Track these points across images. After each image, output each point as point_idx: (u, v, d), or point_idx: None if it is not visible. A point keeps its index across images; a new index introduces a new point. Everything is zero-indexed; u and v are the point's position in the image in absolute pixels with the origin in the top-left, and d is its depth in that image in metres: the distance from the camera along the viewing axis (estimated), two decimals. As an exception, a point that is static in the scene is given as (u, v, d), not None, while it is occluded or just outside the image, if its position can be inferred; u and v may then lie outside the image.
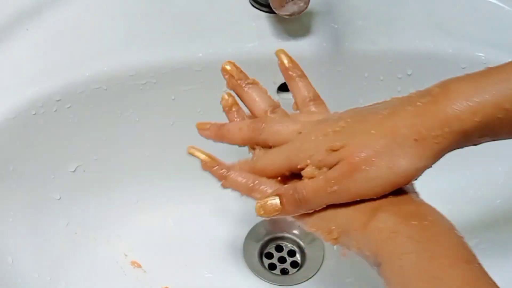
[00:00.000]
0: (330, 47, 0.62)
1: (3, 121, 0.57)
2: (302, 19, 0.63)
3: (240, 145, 0.51)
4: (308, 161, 0.44)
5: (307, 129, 0.47)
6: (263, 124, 0.49)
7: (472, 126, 0.40)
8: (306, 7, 0.58)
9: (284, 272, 0.68)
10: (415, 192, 0.45)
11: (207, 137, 0.53)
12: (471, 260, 0.39)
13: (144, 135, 0.65)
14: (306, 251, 0.68)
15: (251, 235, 0.69)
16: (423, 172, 0.42)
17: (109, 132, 0.64)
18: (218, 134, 0.52)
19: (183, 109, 0.64)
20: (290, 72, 0.53)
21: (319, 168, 0.44)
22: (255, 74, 0.63)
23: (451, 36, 0.63)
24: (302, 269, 0.68)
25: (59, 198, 0.63)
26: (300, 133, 0.47)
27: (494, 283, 0.37)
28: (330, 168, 0.43)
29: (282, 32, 0.62)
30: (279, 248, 0.69)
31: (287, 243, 0.69)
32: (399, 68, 0.63)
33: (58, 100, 0.59)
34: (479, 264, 0.38)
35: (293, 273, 0.67)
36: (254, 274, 0.66)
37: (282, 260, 0.68)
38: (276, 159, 0.48)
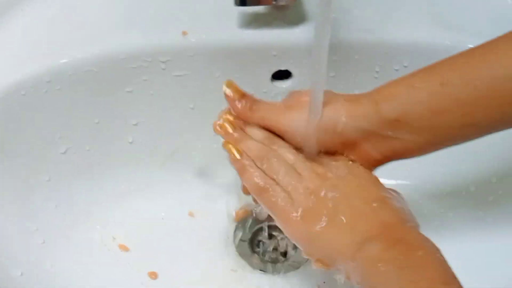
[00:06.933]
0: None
1: (-9, 100, 0.57)
2: (298, 7, 0.62)
3: None
4: None
5: None
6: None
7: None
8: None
9: (275, 260, 0.67)
10: (411, 221, 0.48)
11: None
12: (450, 281, 0.41)
13: (136, 120, 0.65)
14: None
15: (242, 222, 0.69)
16: None
17: (100, 115, 0.63)
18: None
19: (175, 96, 0.64)
20: None
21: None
22: (249, 62, 0.62)
23: (449, 28, 0.61)
24: (291, 258, 0.67)
25: (49, 180, 0.63)
26: None
27: None
28: None
29: (277, 19, 0.61)
30: (270, 237, 0.69)
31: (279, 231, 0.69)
32: (395, 60, 0.62)
33: (48, 82, 0.59)
34: (458, 285, 0.41)
35: (282, 261, 0.67)
36: (243, 260, 0.66)
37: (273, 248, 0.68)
38: None
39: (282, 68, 0.64)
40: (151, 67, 0.61)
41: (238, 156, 0.51)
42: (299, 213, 0.48)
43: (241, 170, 0.51)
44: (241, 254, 0.67)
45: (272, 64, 0.63)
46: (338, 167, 0.50)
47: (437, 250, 0.43)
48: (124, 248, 0.64)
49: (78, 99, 0.61)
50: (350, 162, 0.51)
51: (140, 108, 0.64)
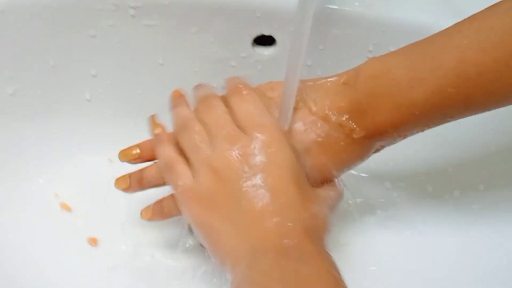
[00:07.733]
0: (317, 5, 0.55)
1: None
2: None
3: None
4: None
5: None
6: None
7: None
8: None
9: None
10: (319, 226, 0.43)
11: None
12: None
13: (96, 70, 0.59)
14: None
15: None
16: None
17: (57, 58, 0.57)
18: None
19: (144, 48, 0.58)
20: None
21: None
22: (230, 22, 0.56)
23: (457, 13, 0.54)
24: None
25: (-8, 122, 0.56)
26: None
27: None
28: None
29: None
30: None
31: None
32: (392, 39, 0.55)
33: (1, 12, 0.52)
34: None
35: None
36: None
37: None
38: None
39: (266, 33, 0.57)
40: (119, 11, 0.55)
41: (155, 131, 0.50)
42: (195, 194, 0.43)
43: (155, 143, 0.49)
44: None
45: (255, 28, 0.57)
46: (265, 144, 0.43)
47: (331, 266, 0.39)
48: (66, 207, 0.58)
49: (34, 37, 0.55)
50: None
51: (103, 57, 0.58)
